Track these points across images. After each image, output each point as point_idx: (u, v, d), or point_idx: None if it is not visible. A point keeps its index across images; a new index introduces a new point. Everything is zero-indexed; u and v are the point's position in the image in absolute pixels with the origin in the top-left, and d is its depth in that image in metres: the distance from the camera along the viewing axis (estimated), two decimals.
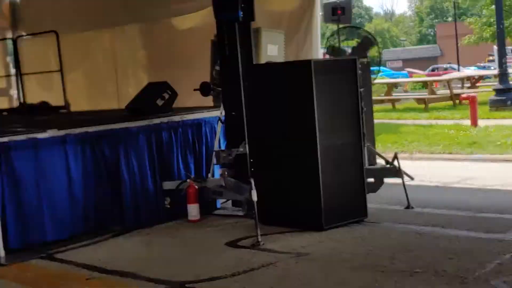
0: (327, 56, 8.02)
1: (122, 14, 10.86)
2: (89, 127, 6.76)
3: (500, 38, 18.66)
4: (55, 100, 11.00)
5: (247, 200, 6.42)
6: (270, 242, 5.83)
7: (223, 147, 7.23)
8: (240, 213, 6.85)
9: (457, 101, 20.42)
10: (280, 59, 7.84)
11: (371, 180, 7.18)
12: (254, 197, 6.00)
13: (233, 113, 6.94)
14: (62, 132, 6.54)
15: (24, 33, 12.85)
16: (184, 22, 10.51)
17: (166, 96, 7.74)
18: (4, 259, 5.88)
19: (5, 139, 6.17)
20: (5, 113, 11.92)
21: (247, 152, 6.74)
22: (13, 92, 13.33)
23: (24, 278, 5.43)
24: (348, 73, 6.49)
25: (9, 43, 13.42)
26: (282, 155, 6.42)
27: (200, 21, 9.92)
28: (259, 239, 5.82)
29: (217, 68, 7.42)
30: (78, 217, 6.53)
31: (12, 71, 13.33)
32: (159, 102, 7.69)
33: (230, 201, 7.36)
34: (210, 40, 8.47)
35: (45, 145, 6.37)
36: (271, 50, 7.82)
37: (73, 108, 10.48)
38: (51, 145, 6.41)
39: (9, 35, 13.46)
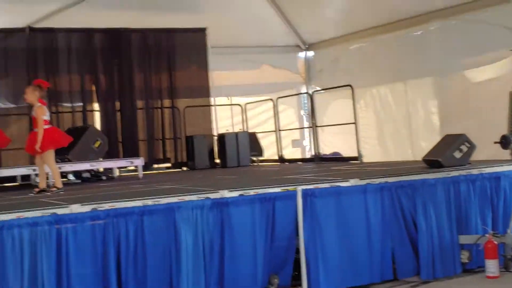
0: None
1: (415, 69, 11.08)
2: (388, 177, 6.95)
3: None
4: (347, 150, 11.48)
5: None
6: None
7: None
8: None
9: None
10: None
11: None
12: None
13: None
14: (363, 182, 6.81)
15: (318, 88, 13.68)
16: (479, 74, 10.39)
17: (464, 148, 7.71)
18: None
19: (311, 186, 6.59)
20: (299, 162, 12.74)
21: None
22: (306, 143, 14.21)
23: None
24: None
25: (304, 97, 14.39)
26: None
27: (496, 72, 9.76)
28: None
29: None
30: (376, 265, 6.67)
31: (305, 123, 14.23)
32: (457, 155, 7.69)
33: None
34: (508, 92, 8.27)
35: (347, 193, 6.67)
36: None
37: (365, 159, 10.82)
38: (352, 193, 6.69)
39: (304, 89, 14.45)
